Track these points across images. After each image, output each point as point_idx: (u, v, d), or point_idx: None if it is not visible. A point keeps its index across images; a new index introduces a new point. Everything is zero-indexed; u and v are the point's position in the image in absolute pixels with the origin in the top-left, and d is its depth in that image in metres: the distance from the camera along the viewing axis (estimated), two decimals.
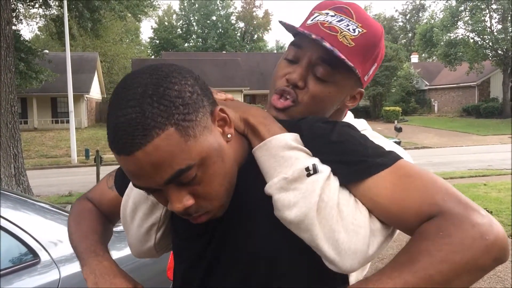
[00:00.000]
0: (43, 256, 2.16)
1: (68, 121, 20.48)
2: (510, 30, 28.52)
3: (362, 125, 1.08)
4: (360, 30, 0.96)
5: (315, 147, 0.86)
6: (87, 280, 0.97)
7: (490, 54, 30.12)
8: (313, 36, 0.94)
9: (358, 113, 34.84)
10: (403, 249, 0.74)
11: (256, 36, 61.77)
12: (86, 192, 1.23)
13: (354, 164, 0.82)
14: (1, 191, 2.59)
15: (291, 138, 0.86)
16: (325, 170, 0.83)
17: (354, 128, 0.89)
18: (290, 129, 0.89)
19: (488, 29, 29.58)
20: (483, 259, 0.69)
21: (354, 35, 0.96)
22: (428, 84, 38.90)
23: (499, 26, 30.01)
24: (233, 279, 0.89)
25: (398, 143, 11.51)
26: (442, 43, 30.79)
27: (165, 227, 1.01)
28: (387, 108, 32.18)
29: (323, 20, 0.98)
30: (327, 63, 0.96)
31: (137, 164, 0.74)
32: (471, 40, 30.05)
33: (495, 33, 29.35)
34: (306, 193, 0.80)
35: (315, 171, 0.82)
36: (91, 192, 1.20)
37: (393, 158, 0.83)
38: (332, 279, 0.88)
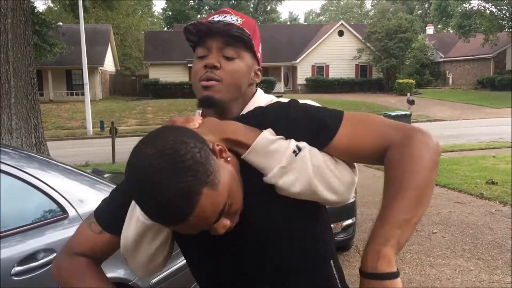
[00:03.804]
0: (71, 212, 2.40)
1: (83, 93, 20.74)
2: None
3: (270, 98, 1.25)
4: (240, 21, 1.17)
5: (282, 127, 1.06)
6: None
7: (507, 25, 29.52)
8: (215, 18, 1.12)
9: (371, 86, 34.62)
10: (388, 183, 0.99)
11: (269, 7, 61.04)
12: (65, 250, 1.19)
13: (318, 131, 1.05)
14: (28, 153, 2.85)
15: (269, 134, 1.05)
16: (304, 144, 1.04)
17: (298, 101, 1.13)
18: (258, 118, 1.08)
19: None
20: (435, 156, 0.99)
21: (238, 23, 1.15)
22: (443, 56, 38.33)
23: None
24: (232, 252, 1.09)
25: (409, 115, 11.50)
26: (457, 14, 30.18)
27: (171, 239, 1.14)
28: (401, 81, 31.79)
29: (211, 19, 1.15)
30: (230, 44, 1.14)
31: (192, 225, 0.91)
32: (487, 11, 29.40)
33: None
34: (301, 169, 1.02)
35: (299, 149, 1.03)
36: (75, 247, 1.18)
37: (338, 114, 1.08)
38: (320, 255, 1.14)
